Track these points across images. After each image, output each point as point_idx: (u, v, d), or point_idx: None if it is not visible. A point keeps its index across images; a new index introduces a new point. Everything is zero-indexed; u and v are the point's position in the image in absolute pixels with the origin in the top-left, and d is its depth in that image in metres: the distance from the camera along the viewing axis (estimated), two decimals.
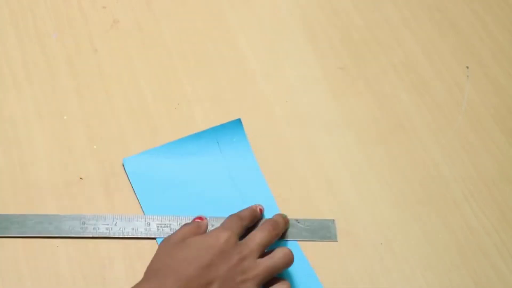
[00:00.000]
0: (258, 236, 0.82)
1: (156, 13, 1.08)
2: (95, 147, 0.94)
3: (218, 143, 0.93)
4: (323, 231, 0.88)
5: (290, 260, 0.81)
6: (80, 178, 0.91)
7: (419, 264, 0.86)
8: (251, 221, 0.85)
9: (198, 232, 0.83)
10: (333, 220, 0.90)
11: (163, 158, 0.92)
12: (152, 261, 0.80)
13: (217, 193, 0.90)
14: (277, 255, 0.81)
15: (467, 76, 1.04)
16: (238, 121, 0.94)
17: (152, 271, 0.78)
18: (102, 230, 0.86)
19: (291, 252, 0.82)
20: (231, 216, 0.85)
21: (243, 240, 0.81)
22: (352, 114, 0.99)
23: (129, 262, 0.85)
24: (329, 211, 0.90)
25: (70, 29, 1.05)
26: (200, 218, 0.85)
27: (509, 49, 1.07)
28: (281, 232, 0.85)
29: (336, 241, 0.88)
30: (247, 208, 0.87)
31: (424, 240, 0.88)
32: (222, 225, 0.83)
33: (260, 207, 0.87)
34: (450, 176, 0.94)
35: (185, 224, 0.84)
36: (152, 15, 1.08)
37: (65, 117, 0.96)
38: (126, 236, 0.86)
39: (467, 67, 1.05)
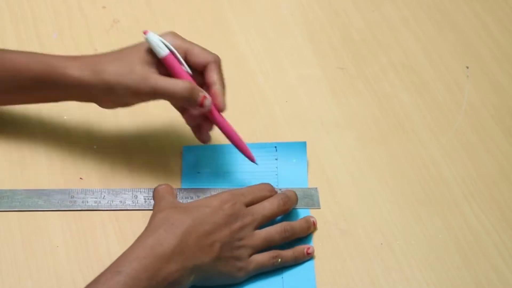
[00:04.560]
0: (266, 208, 0.84)
1: (156, 13, 1.08)
2: (95, 147, 0.94)
3: (277, 159, 0.93)
4: (306, 199, 0.90)
5: (286, 237, 0.85)
6: (80, 178, 0.91)
7: (419, 264, 0.86)
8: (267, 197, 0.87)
9: (172, 191, 0.85)
10: (316, 188, 0.91)
11: (219, 154, 0.93)
12: (155, 213, 0.81)
13: None
14: (275, 229, 0.84)
15: (467, 76, 1.04)
16: (303, 144, 0.93)
17: (158, 221, 0.80)
18: (91, 203, 0.88)
19: (290, 228, 0.85)
20: (255, 185, 0.87)
21: (250, 208, 0.84)
22: (352, 114, 0.99)
23: None
24: (329, 211, 0.90)
25: (70, 29, 1.05)
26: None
27: (509, 49, 1.07)
28: (290, 209, 0.87)
29: (319, 208, 0.90)
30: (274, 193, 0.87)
31: (424, 240, 0.88)
32: (240, 189, 0.86)
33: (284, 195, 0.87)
34: (450, 176, 0.94)
35: (159, 186, 0.85)
36: (152, 15, 1.08)
37: (65, 117, 0.96)
38: (115, 209, 0.88)
39: (467, 67, 1.05)
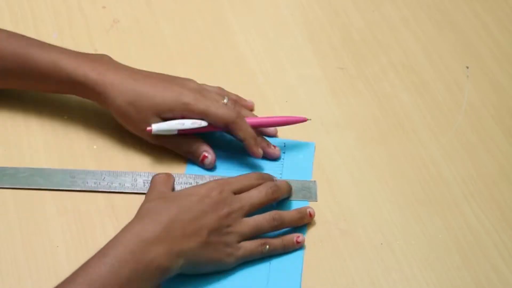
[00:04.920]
0: (254, 196, 0.85)
1: (156, 13, 1.08)
2: (95, 147, 0.94)
3: (284, 153, 0.94)
4: (303, 191, 0.90)
5: (275, 225, 0.85)
6: None
7: (419, 264, 0.86)
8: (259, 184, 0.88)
9: (169, 181, 0.87)
10: (315, 181, 0.91)
11: (227, 142, 0.93)
12: (142, 204, 0.83)
13: None
14: (263, 216, 0.85)
15: (467, 76, 1.04)
16: (312, 145, 0.94)
17: (143, 212, 0.81)
18: (91, 184, 0.89)
19: (279, 217, 0.85)
20: (246, 174, 0.88)
21: (238, 196, 0.85)
22: (352, 114, 0.99)
23: None
24: (329, 211, 0.90)
25: (70, 29, 1.05)
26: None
27: (509, 49, 1.07)
28: (280, 198, 0.87)
29: (316, 201, 0.90)
30: (267, 174, 0.89)
31: (424, 240, 0.88)
32: (228, 177, 0.87)
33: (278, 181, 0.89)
34: (450, 176, 0.94)
35: (156, 175, 0.88)
36: (152, 15, 1.08)
37: (65, 117, 0.96)
38: (114, 191, 0.89)
39: (467, 67, 1.05)
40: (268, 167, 0.92)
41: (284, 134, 0.96)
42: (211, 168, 0.91)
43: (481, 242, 0.88)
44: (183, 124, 0.89)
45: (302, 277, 0.85)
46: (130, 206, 0.88)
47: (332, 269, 0.86)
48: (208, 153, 0.91)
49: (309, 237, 0.88)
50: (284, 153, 0.94)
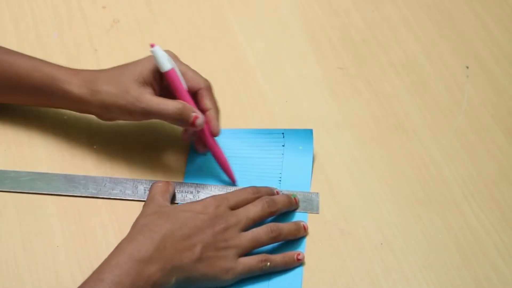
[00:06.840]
0: (250, 210, 0.85)
1: (156, 13, 1.08)
2: (95, 147, 0.94)
3: (283, 145, 0.94)
4: (305, 203, 0.90)
5: (273, 237, 0.84)
6: None
7: (419, 264, 0.86)
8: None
9: (167, 190, 0.87)
10: (317, 193, 0.91)
11: (228, 139, 0.94)
12: (138, 219, 0.82)
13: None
14: (261, 229, 0.84)
15: (467, 76, 1.04)
16: (310, 131, 0.94)
17: (137, 228, 0.81)
18: (91, 190, 0.89)
19: (277, 228, 0.85)
20: (243, 188, 0.88)
21: (235, 211, 0.84)
22: (352, 114, 0.99)
23: None
24: (329, 211, 0.90)
25: (70, 29, 1.05)
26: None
27: (509, 49, 1.07)
28: (278, 211, 0.87)
29: (318, 213, 0.90)
30: (265, 188, 0.88)
31: (424, 240, 0.88)
32: (223, 193, 0.87)
33: (278, 191, 0.89)
34: (450, 176, 0.94)
35: (155, 183, 0.87)
36: (152, 15, 1.08)
37: (65, 117, 0.96)
38: (114, 197, 0.89)
39: (467, 67, 1.05)
40: (269, 165, 0.92)
41: None
42: (202, 127, 0.87)
43: (481, 242, 0.88)
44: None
45: (302, 277, 0.85)
46: (130, 206, 0.89)
47: (332, 269, 0.86)
48: (197, 113, 0.87)
49: (309, 237, 0.88)
50: (283, 145, 0.94)
